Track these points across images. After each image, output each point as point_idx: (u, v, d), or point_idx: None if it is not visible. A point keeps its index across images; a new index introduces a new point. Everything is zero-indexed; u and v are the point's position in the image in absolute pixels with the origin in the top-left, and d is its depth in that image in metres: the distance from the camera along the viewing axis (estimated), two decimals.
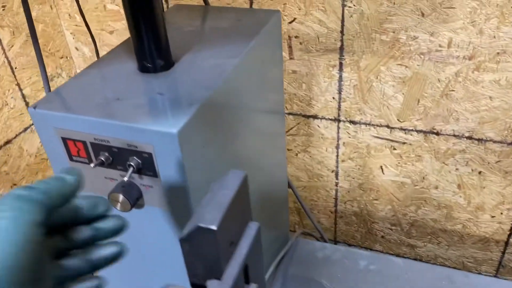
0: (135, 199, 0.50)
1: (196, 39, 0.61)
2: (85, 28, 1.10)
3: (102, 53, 1.13)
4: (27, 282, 0.28)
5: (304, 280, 0.86)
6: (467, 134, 0.89)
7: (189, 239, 0.32)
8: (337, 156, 1.04)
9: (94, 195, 0.37)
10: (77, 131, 0.49)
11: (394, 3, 0.81)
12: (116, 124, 0.46)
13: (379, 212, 1.09)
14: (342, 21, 0.86)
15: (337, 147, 1.02)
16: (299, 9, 0.88)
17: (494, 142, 0.87)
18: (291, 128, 1.04)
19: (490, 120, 0.85)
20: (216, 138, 0.53)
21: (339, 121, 0.98)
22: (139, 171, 0.49)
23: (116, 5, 1.03)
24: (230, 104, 0.56)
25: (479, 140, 0.88)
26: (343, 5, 0.84)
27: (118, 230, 0.38)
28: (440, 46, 0.82)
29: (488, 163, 0.90)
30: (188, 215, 0.50)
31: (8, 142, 1.02)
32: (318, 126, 1.01)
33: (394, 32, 0.84)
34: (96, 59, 1.13)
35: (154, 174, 0.48)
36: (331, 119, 0.99)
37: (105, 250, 0.37)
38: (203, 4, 0.75)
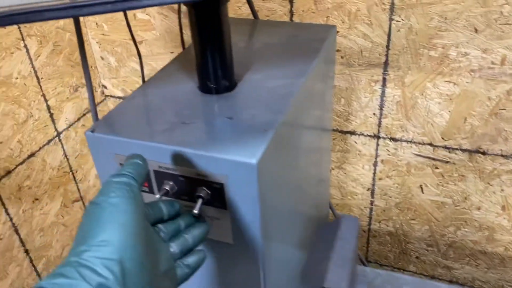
0: None
1: (254, 57, 0.58)
2: (112, 37, 1.06)
3: (129, 63, 1.09)
4: (147, 259, 0.33)
5: None
6: None
7: None
8: (374, 173, 1.00)
9: (166, 199, 0.43)
10: None
11: (445, 18, 0.77)
12: (186, 152, 0.42)
13: (415, 232, 1.05)
14: (389, 35, 0.82)
15: (375, 164, 0.98)
16: (343, 22, 0.84)
17: None
18: None
19: None
20: (284, 167, 0.49)
21: (378, 137, 0.95)
22: (206, 202, 0.45)
23: (147, 14, 0.99)
24: (296, 128, 0.52)
25: None
26: (391, 19, 0.81)
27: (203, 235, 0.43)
28: (492, 63, 0.78)
29: None
30: (255, 249, 0.46)
31: (31, 155, 0.97)
32: (355, 142, 0.97)
33: (443, 48, 0.80)
34: (122, 69, 1.08)
35: (223, 206, 0.44)
36: (370, 136, 0.95)
37: (193, 257, 0.42)
38: (252, 17, 0.71)
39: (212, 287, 0.51)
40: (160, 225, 0.40)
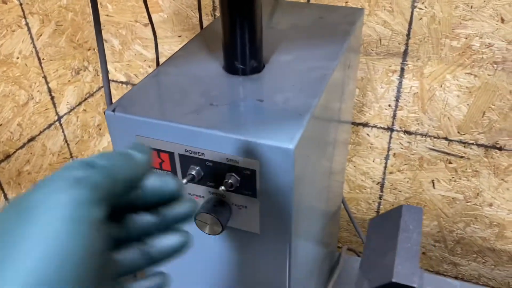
0: (226, 221, 0.42)
1: (280, 38, 0.54)
2: (116, 19, 1.02)
3: (134, 47, 1.05)
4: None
5: None
6: None
7: None
8: (385, 167, 0.98)
9: (159, 172, 0.29)
10: (164, 140, 0.41)
11: (471, 7, 0.75)
12: (217, 135, 0.39)
13: (424, 228, 1.03)
14: (410, 23, 0.80)
15: (386, 157, 0.96)
16: (362, 8, 0.81)
17: None
18: None
19: None
20: (317, 152, 0.46)
21: (392, 130, 0.92)
22: (236, 189, 0.41)
23: None
24: (327, 115, 0.49)
25: None
26: (413, 6, 0.78)
27: (187, 217, 0.29)
28: None
29: None
30: (283, 241, 0.43)
31: (31, 139, 0.93)
32: (368, 134, 0.95)
33: (467, 38, 0.78)
34: (126, 52, 1.04)
35: (253, 193, 0.41)
36: (383, 128, 0.92)
37: (167, 240, 0.29)
38: None
39: (235, 278, 0.48)
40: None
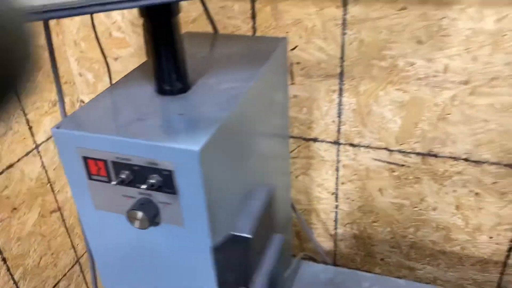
0: (153, 216, 0.51)
1: (209, 65, 0.64)
2: (89, 55, 1.12)
3: (106, 78, 1.15)
4: None
5: None
6: (464, 156, 0.92)
7: (222, 248, 0.34)
8: (337, 178, 1.06)
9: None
10: (99, 150, 0.50)
11: (392, 32, 0.85)
12: (139, 143, 0.48)
13: (379, 235, 1.10)
14: (342, 48, 0.90)
15: (337, 169, 1.05)
16: (300, 37, 0.91)
17: (490, 164, 0.91)
18: (292, 151, 1.06)
19: (486, 143, 0.89)
20: (231, 159, 0.55)
21: (339, 144, 1.01)
22: (158, 188, 0.50)
23: (122, 32, 1.06)
24: (244, 127, 0.58)
25: (475, 162, 0.92)
26: (343, 33, 0.88)
27: None
28: (436, 71, 0.86)
29: (485, 184, 0.93)
30: (204, 232, 0.51)
31: (10, 166, 1.02)
32: (319, 149, 1.03)
33: (392, 59, 0.88)
34: (99, 84, 1.16)
35: (173, 191, 0.50)
36: (331, 142, 1.01)
37: None
38: (213, 31, 0.78)
39: (165, 270, 0.56)
40: None
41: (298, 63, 0.94)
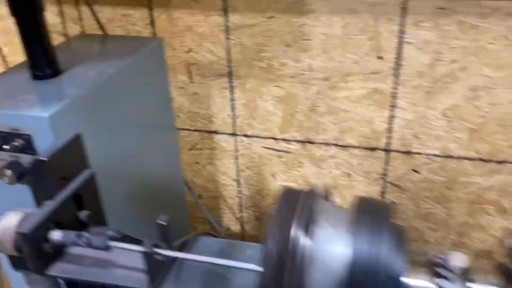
0: (19, 174, 0.65)
1: (84, 57, 0.79)
2: (12, 59, 1.26)
3: None
4: None
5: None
6: (333, 142, 1.08)
7: (32, 171, 0.48)
8: (237, 166, 1.21)
9: None
10: None
11: (265, 36, 1.01)
12: (3, 112, 0.62)
13: None
14: (228, 51, 1.06)
15: (237, 158, 1.20)
16: (194, 41, 1.07)
17: (354, 147, 1.07)
18: (197, 143, 1.21)
19: (348, 130, 1.05)
20: (93, 130, 0.69)
21: (236, 135, 1.16)
22: (22, 150, 0.64)
23: None
24: (106, 105, 0.73)
25: (343, 146, 1.08)
26: (227, 38, 1.04)
27: None
28: (303, 70, 1.02)
29: (353, 165, 1.09)
30: None
31: None
32: (220, 140, 1.19)
33: (268, 60, 1.04)
34: None
35: (34, 153, 0.64)
36: (229, 134, 1.17)
37: None
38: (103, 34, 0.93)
39: None
40: None
41: (194, 64, 1.10)
